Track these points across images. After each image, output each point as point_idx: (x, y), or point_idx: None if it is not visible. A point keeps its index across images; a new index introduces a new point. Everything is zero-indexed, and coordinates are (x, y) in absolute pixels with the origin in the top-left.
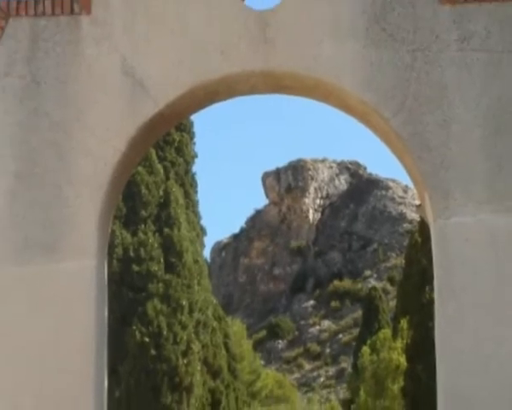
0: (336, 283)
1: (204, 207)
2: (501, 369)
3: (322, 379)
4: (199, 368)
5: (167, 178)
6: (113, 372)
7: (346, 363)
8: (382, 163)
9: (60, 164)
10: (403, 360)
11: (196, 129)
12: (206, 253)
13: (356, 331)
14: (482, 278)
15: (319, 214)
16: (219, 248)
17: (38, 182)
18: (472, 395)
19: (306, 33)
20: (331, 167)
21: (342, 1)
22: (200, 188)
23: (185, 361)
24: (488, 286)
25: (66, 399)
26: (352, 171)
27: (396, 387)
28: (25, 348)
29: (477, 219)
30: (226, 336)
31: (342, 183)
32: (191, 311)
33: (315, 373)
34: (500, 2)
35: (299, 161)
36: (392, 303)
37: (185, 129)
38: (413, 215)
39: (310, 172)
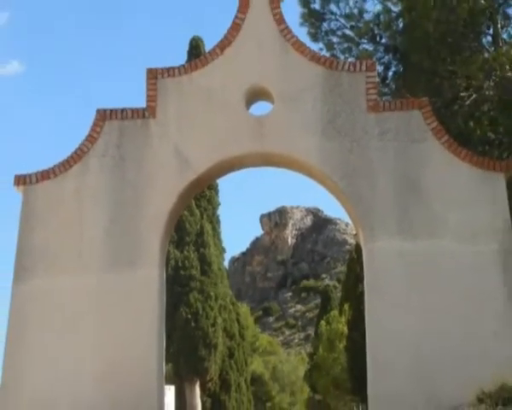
0: (305, 282)
1: (224, 235)
2: (406, 340)
3: (296, 341)
4: (221, 334)
5: (202, 218)
6: (168, 338)
7: (311, 331)
8: (333, 208)
9: (136, 210)
10: (345, 329)
11: (220, 187)
12: (226, 264)
13: (317, 311)
14: (395, 282)
15: (294, 240)
16: (233, 261)
17: (123, 222)
18: (386, 353)
19: (287, 131)
20: (302, 211)
21: (309, 111)
22: (222, 224)
23: (213, 330)
24: (400, 287)
25: (140, 355)
26: (314, 213)
27: (341, 345)
28: (115, 323)
29: (392, 244)
30: (237, 314)
31: (308, 221)
32: (216, 299)
33: (292, 337)
34: (404, 111)
35: (283, 207)
36: (339, 294)
37: (213, 188)
38: (352, 241)
39: (289, 215)
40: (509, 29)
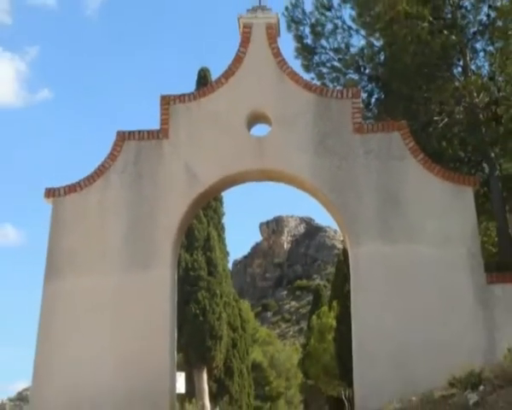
0: (299, 281)
1: (228, 241)
2: (387, 332)
3: (291, 333)
4: (225, 327)
5: (208, 226)
6: (179, 330)
7: (303, 324)
8: (323, 217)
9: (151, 219)
10: (334, 322)
11: (225, 199)
12: (229, 266)
13: (309, 307)
14: (378, 282)
15: (289, 245)
16: (236, 263)
17: (140, 229)
18: (370, 344)
19: (283, 150)
20: (296, 220)
21: (302, 133)
22: (226, 231)
23: (218, 323)
24: (381, 286)
25: (155, 345)
26: (307, 221)
27: (330, 337)
28: (133, 318)
29: (374, 249)
30: (240, 310)
31: (302, 228)
32: (221, 296)
33: (287, 330)
34: (385, 133)
35: (279, 216)
36: (328, 292)
37: (218, 199)
38: (340, 246)
39: (284, 223)
40: (477, 61)
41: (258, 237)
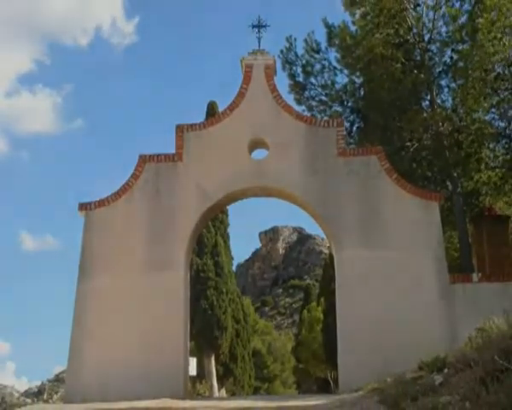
0: (292, 281)
1: (232, 247)
2: (366, 323)
3: (285, 324)
4: (230, 319)
5: (216, 234)
6: (191, 322)
7: (296, 317)
8: (312, 227)
9: (168, 229)
10: (321, 315)
11: (230, 211)
12: (233, 268)
13: (300, 303)
14: (358, 281)
15: (284, 250)
16: (239, 266)
17: (158, 237)
18: (352, 333)
19: (279, 170)
20: (289, 229)
21: (294, 157)
22: (231, 239)
23: (224, 316)
24: (361, 284)
25: (171, 334)
26: (299, 231)
27: (318, 327)
28: (153, 312)
29: (355, 253)
30: (242, 305)
31: (294, 236)
32: (227, 294)
33: (282, 322)
34: (364, 156)
35: (275, 226)
36: (317, 290)
37: (224, 212)
38: (326, 251)
39: (280, 232)
40: (442, 96)
41: (257, 244)
